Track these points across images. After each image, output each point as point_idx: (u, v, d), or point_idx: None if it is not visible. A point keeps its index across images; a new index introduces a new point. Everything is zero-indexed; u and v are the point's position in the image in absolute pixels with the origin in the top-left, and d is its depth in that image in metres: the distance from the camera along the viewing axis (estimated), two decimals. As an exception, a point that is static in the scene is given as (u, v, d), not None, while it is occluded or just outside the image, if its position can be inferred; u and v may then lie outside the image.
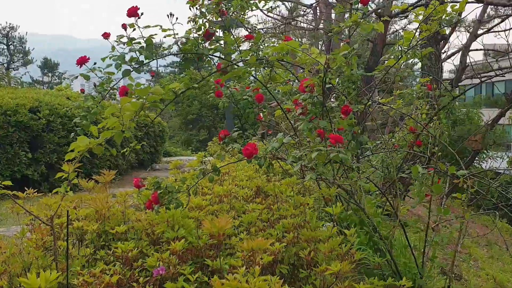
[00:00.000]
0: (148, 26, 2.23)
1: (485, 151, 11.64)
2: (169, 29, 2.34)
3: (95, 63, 2.38)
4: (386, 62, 3.56)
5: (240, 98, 3.68)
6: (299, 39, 15.57)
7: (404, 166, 5.01)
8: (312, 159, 2.42)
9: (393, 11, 9.50)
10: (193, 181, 3.05)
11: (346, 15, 10.76)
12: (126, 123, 1.95)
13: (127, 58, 2.24)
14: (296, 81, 3.94)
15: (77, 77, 2.32)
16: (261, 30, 11.50)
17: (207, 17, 2.58)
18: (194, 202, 3.07)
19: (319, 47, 15.80)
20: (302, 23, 12.33)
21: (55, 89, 12.31)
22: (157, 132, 11.38)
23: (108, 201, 2.66)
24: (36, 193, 2.75)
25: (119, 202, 2.79)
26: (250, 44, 2.81)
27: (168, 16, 2.27)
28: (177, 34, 2.48)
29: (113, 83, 2.27)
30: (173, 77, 29.04)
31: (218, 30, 2.59)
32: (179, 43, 2.39)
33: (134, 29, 2.24)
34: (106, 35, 2.26)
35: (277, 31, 11.80)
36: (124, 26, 2.24)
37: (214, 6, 2.56)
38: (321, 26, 13.13)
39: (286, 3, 11.57)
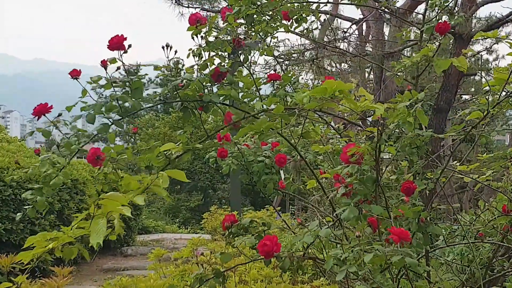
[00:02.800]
0: (139, 65, 2.24)
1: None
2: (163, 67, 2.35)
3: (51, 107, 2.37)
4: (463, 97, 3.53)
5: (253, 159, 3.65)
6: (337, 67, 15.76)
7: (494, 263, 4.88)
8: (364, 265, 2.35)
9: (474, 29, 9.55)
10: (181, 283, 3.00)
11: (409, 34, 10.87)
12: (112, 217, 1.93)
13: (99, 104, 2.24)
14: (336, 135, 3.92)
15: (32, 133, 2.32)
16: (282, 58, 11.64)
17: (216, 50, 2.60)
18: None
19: (365, 76, 15.92)
20: (342, 45, 12.48)
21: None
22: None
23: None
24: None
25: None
26: (276, 87, 2.80)
27: (163, 48, 2.28)
28: (180, 68, 2.50)
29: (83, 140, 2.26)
30: (154, 116, 29.45)
31: (230, 68, 2.60)
32: (173, 85, 2.38)
33: (118, 68, 2.25)
34: (75, 73, 2.27)
35: (306, 58, 11.95)
36: (104, 64, 2.25)
37: (227, 36, 2.58)
38: (367, 47, 13.27)
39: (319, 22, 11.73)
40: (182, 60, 2.60)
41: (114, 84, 2.22)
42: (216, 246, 7.49)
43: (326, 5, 4.94)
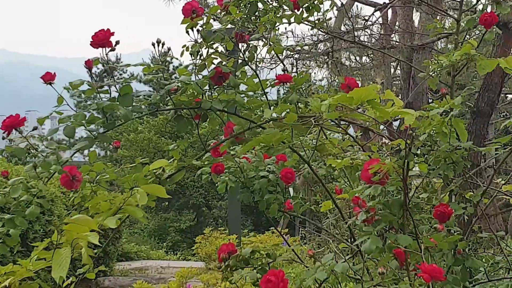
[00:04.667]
0: (128, 65, 2.26)
1: None
2: (155, 67, 2.36)
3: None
4: (509, 97, 3.49)
5: (255, 175, 3.65)
6: (357, 60, 15.74)
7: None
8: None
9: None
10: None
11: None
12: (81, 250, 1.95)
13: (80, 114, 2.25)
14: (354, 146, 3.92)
15: (2, 151, 2.33)
16: (291, 51, 11.60)
17: (215, 46, 2.62)
18: None
19: (391, 71, 15.87)
20: (362, 35, 12.43)
21: None
22: (106, 220, 11.35)
23: None
24: None
25: None
26: (287, 90, 2.81)
27: (153, 44, 2.31)
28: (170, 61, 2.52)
29: (64, 157, 2.27)
30: (137, 119, 29.54)
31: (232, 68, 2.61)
32: (166, 89, 2.40)
33: (117, 71, 2.26)
34: (49, 78, 2.27)
35: (320, 51, 11.92)
36: (88, 65, 2.25)
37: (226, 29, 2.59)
38: (392, 37, 13.21)
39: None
40: (172, 57, 2.62)
41: (99, 90, 2.22)
42: (210, 277, 7.47)
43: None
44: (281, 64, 11.56)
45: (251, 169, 3.65)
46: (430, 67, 3.29)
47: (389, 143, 3.25)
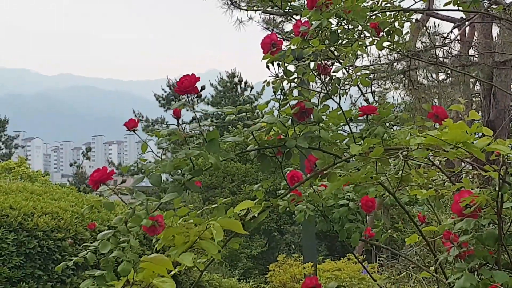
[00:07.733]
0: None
1: None
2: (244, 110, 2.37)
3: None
4: None
5: (334, 204, 3.62)
6: (433, 77, 15.53)
7: None
8: None
9: None
10: None
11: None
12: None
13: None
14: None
15: (92, 207, 2.37)
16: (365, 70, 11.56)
17: (296, 80, 2.62)
18: None
19: (470, 87, 15.59)
20: (440, 52, 12.23)
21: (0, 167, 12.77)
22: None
23: None
24: None
25: None
26: (369, 122, 2.79)
27: (236, 84, 2.33)
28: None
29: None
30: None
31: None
32: (251, 130, 2.42)
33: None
34: (132, 125, 2.32)
35: (395, 70, 11.85)
36: (176, 114, 2.27)
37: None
38: (471, 52, 13.01)
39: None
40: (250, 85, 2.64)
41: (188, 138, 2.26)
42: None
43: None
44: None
45: (329, 197, 3.63)
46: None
47: (479, 173, 3.19)
